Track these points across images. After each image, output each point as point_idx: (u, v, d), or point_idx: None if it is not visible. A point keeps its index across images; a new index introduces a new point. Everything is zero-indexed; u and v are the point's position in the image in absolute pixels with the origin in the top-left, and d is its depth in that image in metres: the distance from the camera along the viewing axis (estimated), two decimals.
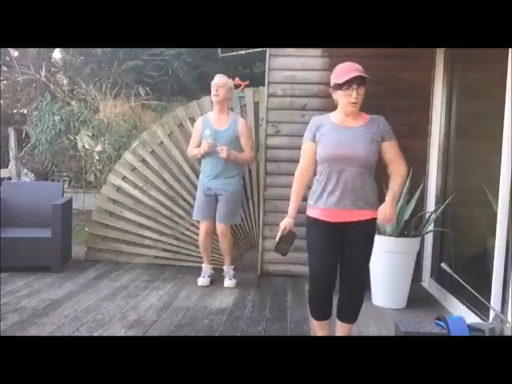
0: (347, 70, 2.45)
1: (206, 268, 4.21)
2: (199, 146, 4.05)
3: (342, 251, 2.59)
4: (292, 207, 2.65)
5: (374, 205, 2.57)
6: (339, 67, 2.51)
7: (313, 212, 2.59)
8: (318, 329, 2.75)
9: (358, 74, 2.41)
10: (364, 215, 2.53)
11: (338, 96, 2.51)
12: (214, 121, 4.05)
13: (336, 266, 2.61)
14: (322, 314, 2.69)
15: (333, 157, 2.49)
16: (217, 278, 4.20)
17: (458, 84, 4.01)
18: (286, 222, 2.63)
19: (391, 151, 2.55)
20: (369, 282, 3.73)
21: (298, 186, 2.65)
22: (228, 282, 4.13)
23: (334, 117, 2.58)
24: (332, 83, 2.51)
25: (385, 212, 2.55)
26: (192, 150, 4.16)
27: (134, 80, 7.49)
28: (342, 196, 2.49)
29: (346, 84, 2.43)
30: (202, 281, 4.14)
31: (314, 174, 2.64)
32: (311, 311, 2.74)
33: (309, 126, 2.63)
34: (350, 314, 2.69)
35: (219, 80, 3.99)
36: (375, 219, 2.59)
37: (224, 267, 4.22)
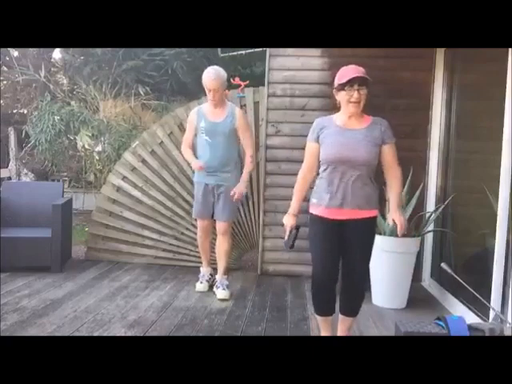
0: (350, 71, 2.51)
1: (205, 271, 4.06)
2: (192, 142, 3.90)
3: (343, 247, 2.64)
4: (295, 205, 2.71)
5: (374, 204, 2.63)
6: (343, 69, 2.56)
7: (315, 210, 2.65)
8: (321, 325, 2.81)
9: (359, 74, 2.47)
10: (364, 214, 2.59)
11: (341, 96, 2.55)
12: (208, 112, 3.79)
13: (337, 262, 2.66)
14: (325, 309, 2.74)
15: (335, 159, 2.54)
16: None
17: (457, 84, 4.01)
18: (290, 220, 2.68)
19: (389, 154, 2.59)
20: (369, 281, 3.73)
21: (300, 186, 2.72)
22: (222, 293, 3.79)
23: (338, 119, 2.62)
24: (335, 84, 2.57)
25: (400, 222, 2.60)
26: (186, 151, 3.92)
27: (134, 80, 7.48)
28: (343, 197, 2.55)
29: (348, 84, 2.48)
30: (201, 286, 3.98)
31: (317, 174, 2.68)
32: (315, 307, 2.78)
33: (312, 126, 2.67)
34: (350, 307, 2.75)
35: (211, 83, 3.67)
36: (375, 217, 2.67)
37: (217, 276, 3.93)
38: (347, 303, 2.75)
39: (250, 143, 3.88)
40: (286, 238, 2.68)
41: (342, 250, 2.64)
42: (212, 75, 3.68)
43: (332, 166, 2.56)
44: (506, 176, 2.84)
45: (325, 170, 2.60)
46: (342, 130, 2.57)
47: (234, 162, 3.85)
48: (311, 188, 2.72)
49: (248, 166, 3.85)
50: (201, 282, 4.01)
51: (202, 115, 3.81)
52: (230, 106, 3.87)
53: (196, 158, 3.86)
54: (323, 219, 2.61)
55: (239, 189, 3.78)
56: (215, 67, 3.78)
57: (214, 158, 3.76)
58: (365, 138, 2.53)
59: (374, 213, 2.64)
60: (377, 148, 2.54)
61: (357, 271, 2.66)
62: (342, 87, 2.51)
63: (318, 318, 2.81)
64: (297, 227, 2.68)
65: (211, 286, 3.99)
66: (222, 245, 3.93)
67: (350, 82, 2.47)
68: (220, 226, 3.90)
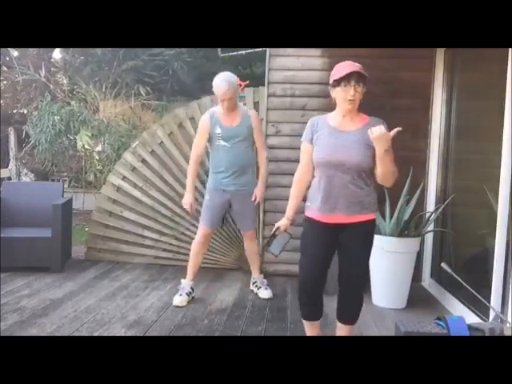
0: (346, 66, 2.43)
1: (187, 283, 3.75)
2: (204, 146, 3.78)
3: (339, 252, 2.59)
4: (289, 209, 2.66)
5: (370, 208, 2.54)
6: (338, 65, 2.48)
7: (309, 212, 2.60)
8: (308, 330, 2.72)
9: (355, 69, 2.39)
10: (359, 218, 2.50)
11: (336, 93, 2.47)
12: (223, 117, 3.66)
13: (327, 265, 2.59)
14: (311, 313, 2.67)
15: (327, 162, 2.47)
16: (217, 277, 4.18)
17: (457, 84, 4.01)
18: (281, 223, 2.64)
19: None
20: (369, 281, 3.73)
21: (296, 189, 2.65)
22: (266, 292, 3.87)
23: (332, 119, 2.55)
24: (331, 80, 2.48)
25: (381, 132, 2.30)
26: (191, 168, 3.76)
27: (134, 80, 7.49)
28: (336, 201, 2.47)
29: (344, 80, 2.40)
30: (179, 299, 3.61)
31: (313, 175, 2.62)
32: (301, 311, 2.70)
33: (307, 126, 2.60)
34: (348, 314, 2.68)
35: (225, 94, 3.54)
36: (373, 221, 2.58)
37: (256, 277, 4.01)
38: (345, 310, 2.66)
39: (264, 144, 3.91)
40: (270, 236, 2.63)
41: (339, 254, 2.59)
42: (225, 86, 3.53)
43: (324, 168, 2.48)
44: (506, 176, 2.83)
45: (317, 172, 2.53)
46: (336, 132, 2.49)
47: (252, 165, 3.80)
48: (308, 188, 2.65)
49: (266, 167, 3.85)
50: (180, 295, 3.66)
51: (216, 121, 3.66)
52: (242, 107, 3.81)
53: (213, 164, 3.76)
54: (316, 222, 2.54)
55: (260, 191, 3.76)
56: (224, 76, 3.60)
57: (234, 163, 3.66)
58: (358, 139, 2.44)
59: (370, 216, 2.54)
60: (370, 150, 2.42)
61: (353, 276, 2.58)
62: (337, 83, 2.42)
63: (305, 323, 2.72)
64: (287, 234, 2.62)
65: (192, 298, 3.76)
66: (252, 248, 3.98)
67: (347, 78, 2.39)
68: (248, 234, 3.93)
